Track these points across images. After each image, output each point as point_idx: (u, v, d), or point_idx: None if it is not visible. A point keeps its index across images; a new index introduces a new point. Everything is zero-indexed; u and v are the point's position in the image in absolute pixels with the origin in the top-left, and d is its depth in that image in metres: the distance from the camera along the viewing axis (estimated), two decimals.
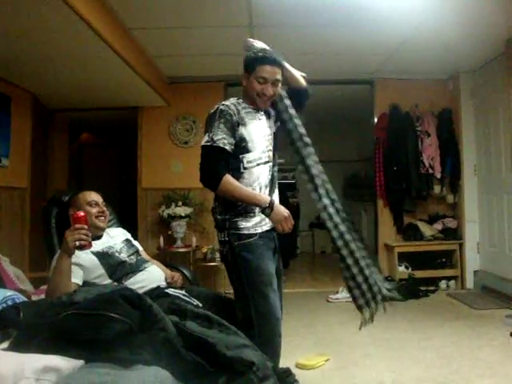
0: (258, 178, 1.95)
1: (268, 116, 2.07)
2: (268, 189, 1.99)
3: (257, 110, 2.00)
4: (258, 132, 1.97)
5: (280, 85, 1.97)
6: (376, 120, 5.04)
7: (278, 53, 1.98)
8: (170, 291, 1.98)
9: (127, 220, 3.89)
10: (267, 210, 1.83)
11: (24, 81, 4.06)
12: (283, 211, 1.85)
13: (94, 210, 2.16)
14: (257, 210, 1.89)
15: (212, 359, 1.23)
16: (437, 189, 4.89)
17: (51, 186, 5.07)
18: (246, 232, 1.91)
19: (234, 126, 1.90)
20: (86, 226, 1.77)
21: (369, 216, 6.05)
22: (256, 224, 1.94)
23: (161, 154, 5.00)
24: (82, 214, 1.80)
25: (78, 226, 1.74)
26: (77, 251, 1.78)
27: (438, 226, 4.89)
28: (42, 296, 2.12)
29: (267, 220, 1.90)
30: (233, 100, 2.00)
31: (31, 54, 3.32)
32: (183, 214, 4.58)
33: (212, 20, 3.41)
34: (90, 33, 2.82)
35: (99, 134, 7.60)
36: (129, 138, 5.67)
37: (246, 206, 1.91)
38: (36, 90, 4.39)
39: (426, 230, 4.83)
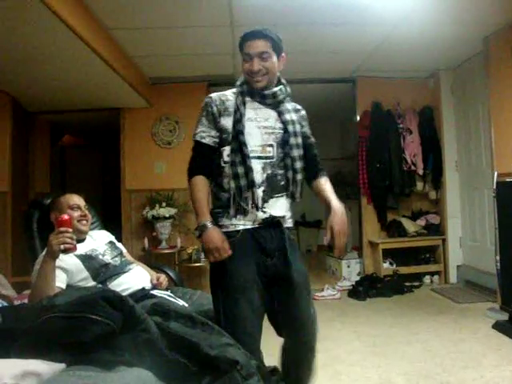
0: (245, 174, 1.71)
1: (278, 108, 1.83)
2: (262, 189, 1.73)
3: (261, 100, 1.81)
4: (252, 123, 1.77)
5: (268, 60, 1.75)
6: (358, 118, 5.08)
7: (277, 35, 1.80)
8: (155, 292, 1.98)
9: (111, 222, 3.86)
10: (197, 231, 1.68)
11: (2, 83, 4.00)
12: (215, 241, 1.62)
13: (76, 214, 2.14)
14: (248, 205, 1.71)
15: (196, 359, 1.23)
16: (419, 185, 4.95)
17: (33, 190, 4.99)
18: (224, 230, 1.71)
19: (215, 118, 1.78)
20: (70, 230, 1.75)
21: (353, 213, 6.08)
22: (239, 220, 1.73)
23: (144, 155, 4.96)
24: (66, 217, 1.78)
25: (62, 229, 1.73)
26: (60, 255, 1.76)
27: (422, 222, 4.95)
28: (25, 301, 2.09)
29: (259, 216, 1.72)
30: (228, 90, 1.86)
31: (9, 56, 3.26)
32: (167, 215, 4.55)
33: (193, 20, 3.39)
34: (69, 33, 2.78)
35: (81, 136, 7.52)
36: (111, 140, 5.62)
37: (229, 198, 1.72)
38: (15, 93, 4.33)
39: (410, 226, 4.89)
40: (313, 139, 1.94)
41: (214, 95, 1.84)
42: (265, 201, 1.74)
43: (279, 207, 1.77)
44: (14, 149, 4.45)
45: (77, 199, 2.20)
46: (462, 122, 4.76)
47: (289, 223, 1.81)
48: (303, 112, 1.95)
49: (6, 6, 2.46)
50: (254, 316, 1.65)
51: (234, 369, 1.20)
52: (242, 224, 1.73)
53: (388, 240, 4.92)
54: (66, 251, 1.73)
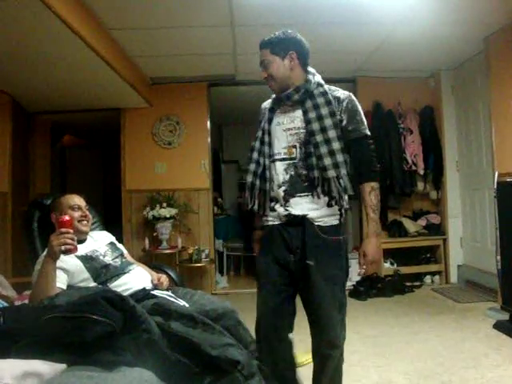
0: (274, 174, 1.85)
1: (303, 107, 1.84)
2: (284, 189, 1.82)
3: (281, 102, 1.89)
4: (278, 126, 1.88)
5: (270, 66, 1.83)
6: None
7: (281, 34, 1.86)
8: (156, 292, 1.97)
9: (112, 222, 3.86)
10: None
11: (2, 83, 3.99)
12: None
13: (77, 214, 2.13)
14: (277, 205, 1.85)
15: (197, 359, 1.23)
16: (420, 185, 4.94)
17: (33, 190, 4.99)
18: (264, 224, 1.93)
19: (259, 124, 1.96)
20: (71, 231, 1.75)
21: (354, 213, 6.08)
22: (269, 216, 1.89)
23: (144, 155, 4.96)
24: (67, 218, 1.78)
25: (63, 230, 1.72)
26: (61, 255, 1.76)
27: (422, 222, 4.95)
28: (26, 301, 2.09)
29: (281, 214, 1.83)
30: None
31: (8, 55, 3.26)
32: (168, 216, 4.55)
33: (194, 20, 3.39)
34: (69, 33, 2.77)
35: (82, 136, 7.51)
36: (112, 140, 5.61)
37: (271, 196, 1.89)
38: (15, 93, 4.32)
39: (411, 226, 4.88)
40: (358, 133, 1.83)
41: (263, 104, 2.04)
42: (286, 200, 1.82)
43: (301, 206, 1.80)
44: (14, 149, 4.45)
45: (77, 199, 2.20)
46: (463, 121, 4.76)
47: (320, 222, 1.80)
48: (345, 102, 1.85)
49: (6, 6, 2.46)
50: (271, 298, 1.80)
51: (235, 369, 1.20)
52: (270, 220, 1.89)
53: (389, 240, 4.91)
54: (66, 252, 1.73)
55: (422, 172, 4.86)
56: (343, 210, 1.83)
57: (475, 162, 4.54)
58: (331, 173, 1.76)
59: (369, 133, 1.86)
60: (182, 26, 3.50)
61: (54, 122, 5.65)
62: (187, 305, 1.79)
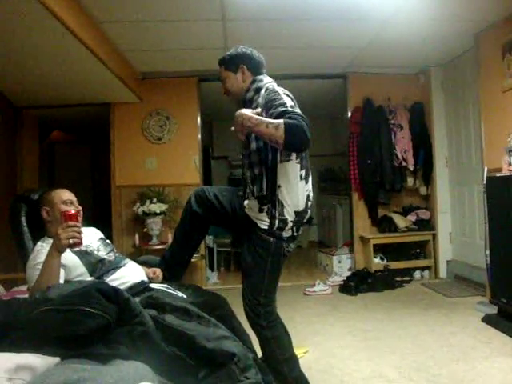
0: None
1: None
2: (243, 188, 2.03)
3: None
4: None
5: (226, 81, 2.05)
6: (350, 114, 5.08)
7: (233, 51, 2.07)
8: (154, 285, 1.96)
9: (101, 219, 3.83)
10: None
11: None
12: None
13: (68, 209, 2.10)
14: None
15: (192, 352, 1.22)
16: (410, 181, 4.98)
17: (21, 186, 4.92)
18: None
19: None
20: (78, 224, 1.75)
21: (344, 209, 6.12)
22: None
23: (134, 150, 4.92)
24: (73, 211, 1.76)
25: (71, 223, 1.71)
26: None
27: (412, 217, 4.98)
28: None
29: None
30: None
31: None
32: (158, 211, 4.53)
33: (185, 14, 3.36)
34: (58, 26, 2.74)
35: (71, 132, 7.43)
36: (101, 135, 5.56)
37: None
38: (2, 87, 4.26)
39: (400, 221, 4.91)
40: (278, 109, 1.76)
41: None
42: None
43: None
44: (1, 144, 4.39)
45: (68, 194, 2.16)
46: (453, 117, 4.80)
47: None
48: (262, 91, 1.95)
49: None
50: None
51: (231, 361, 1.19)
52: None
53: (379, 235, 4.94)
54: (73, 246, 1.72)
55: (412, 168, 4.90)
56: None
57: (464, 158, 4.58)
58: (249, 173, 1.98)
59: (289, 108, 1.76)
60: (172, 20, 3.47)
61: (43, 117, 5.58)
62: (185, 296, 1.78)
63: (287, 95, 1.89)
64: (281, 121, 1.66)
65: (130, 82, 4.38)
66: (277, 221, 1.90)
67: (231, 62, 2.04)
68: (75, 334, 1.16)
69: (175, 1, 3.14)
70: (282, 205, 1.89)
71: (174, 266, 2.22)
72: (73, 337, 1.17)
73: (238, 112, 1.77)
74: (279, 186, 1.88)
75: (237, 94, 2.04)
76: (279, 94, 1.87)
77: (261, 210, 1.91)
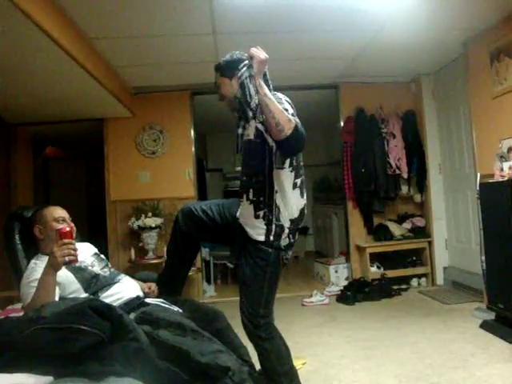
0: None
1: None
2: (239, 195, 2.03)
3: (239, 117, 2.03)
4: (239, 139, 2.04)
5: (221, 87, 2.04)
6: (342, 124, 5.11)
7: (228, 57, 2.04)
8: (149, 300, 1.95)
9: (96, 234, 3.81)
10: None
11: None
12: None
13: (62, 227, 2.10)
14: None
15: (187, 367, 1.21)
16: (404, 189, 5.00)
17: (16, 203, 4.90)
18: None
19: None
20: (73, 241, 1.74)
21: (339, 219, 6.12)
22: None
23: (128, 165, 4.92)
24: (67, 228, 1.76)
25: (66, 241, 1.71)
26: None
27: (407, 225, 4.99)
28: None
29: None
30: None
31: None
32: (153, 225, 4.52)
33: (176, 28, 3.39)
34: (50, 43, 2.74)
35: (65, 148, 7.43)
36: (96, 150, 5.56)
37: None
38: None
39: (396, 229, 4.92)
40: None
41: None
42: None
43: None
44: None
45: (61, 211, 2.16)
46: (444, 125, 4.83)
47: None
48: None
49: None
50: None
51: (226, 375, 1.18)
52: None
53: (375, 244, 4.94)
54: (69, 263, 1.71)
55: (405, 176, 4.92)
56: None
57: (457, 165, 4.60)
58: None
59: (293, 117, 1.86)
60: (164, 35, 3.50)
61: (36, 134, 5.58)
62: (180, 310, 1.77)
63: (288, 102, 1.93)
64: (293, 118, 1.75)
65: (122, 97, 4.39)
66: (274, 226, 1.89)
67: (226, 68, 2.03)
68: (68, 351, 1.15)
69: (166, 16, 3.16)
70: (279, 210, 1.90)
71: (171, 282, 2.22)
72: (66, 355, 1.16)
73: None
74: (276, 192, 1.89)
75: (232, 99, 2.03)
76: (281, 99, 1.90)
77: (256, 216, 1.90)
